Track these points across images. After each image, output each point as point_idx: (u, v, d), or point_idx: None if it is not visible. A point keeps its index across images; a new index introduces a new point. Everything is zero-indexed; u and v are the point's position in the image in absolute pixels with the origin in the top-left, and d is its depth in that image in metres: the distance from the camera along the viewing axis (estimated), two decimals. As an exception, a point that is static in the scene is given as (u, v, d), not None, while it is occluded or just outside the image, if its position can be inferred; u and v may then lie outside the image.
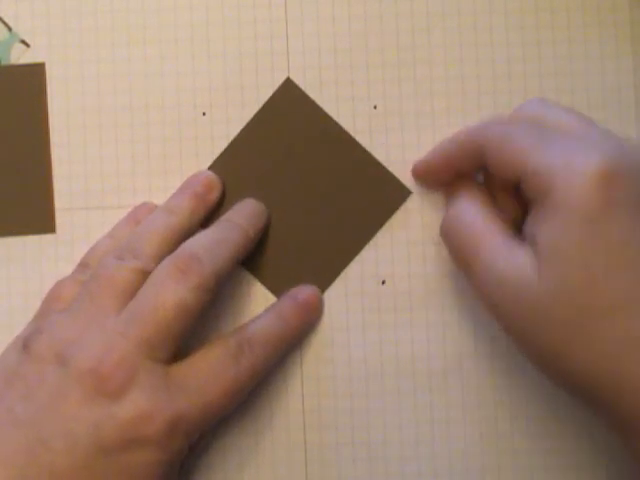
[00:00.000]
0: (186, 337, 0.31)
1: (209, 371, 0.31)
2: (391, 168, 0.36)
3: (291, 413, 0.36)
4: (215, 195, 0.35)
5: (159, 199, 0.36)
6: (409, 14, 0.36)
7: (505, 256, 0.30)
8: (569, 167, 0.29)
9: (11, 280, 0.36)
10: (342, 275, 0.36)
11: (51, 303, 0.33)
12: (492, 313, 0.31)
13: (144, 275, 0.31)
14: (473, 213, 0.32)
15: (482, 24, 0.37)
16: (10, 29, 0.36)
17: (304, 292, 0.35)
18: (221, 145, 0.36)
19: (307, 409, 0.36)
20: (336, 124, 0.36)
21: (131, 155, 0.36)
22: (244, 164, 0.36)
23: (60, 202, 0.36)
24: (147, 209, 0.35)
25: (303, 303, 0.35)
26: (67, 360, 0.29)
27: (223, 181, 0.36)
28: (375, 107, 0.36)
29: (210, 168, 0.36)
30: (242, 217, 0.34)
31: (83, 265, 0.34)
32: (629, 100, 0.37)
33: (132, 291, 0.31)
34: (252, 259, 0.36)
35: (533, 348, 0.30)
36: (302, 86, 0.36)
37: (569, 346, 0.28)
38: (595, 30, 0.37)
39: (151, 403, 0.29)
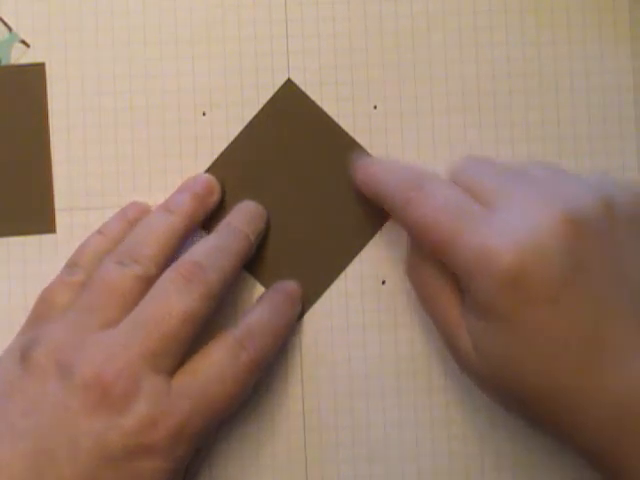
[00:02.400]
0: (190, 345, 0.31)
1: (211, 375, 0.31)
2: (391, 168, 0.36)
3: (291, 413, 0.36)
4: (215, 198, 0.35)
5: (159, 199, 0.36)
6: (409, 14, 0.36)
7: (453, 329, 0.32)
8: (480, 265, 0.29)
9: (11, 280, 0.36)
10: (342, 275, 0.36)
11: (44, 310, 0.33)
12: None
13: (146, 281, 0.31)
14: (435, 270, 0.33)
15: (482, 24, 0.37)
16: (10, 29, 0.36)
17: (288, 285, 0.35)
18: (221, 145, 0.36)
19: (307, 409, 0.36)
20: (336, 124, 0.36)
21: (131, 155, 0.36)
22: (244, 164, 0.36)
23: (60, 202, 0.36)
24: (138, 208, 0.35)
25: (291, 294, 0.35)
26: (68, 372, 0.29)
27: (222, 184, 0.36)
28: (375, 107, 0.36)
29: (210, 168, 0.36)
30: (243, 221, 0.34)
31: (72, 265, 0.34)
32: (629, 100, 0.37)
33: (134, 299, 0.31)
34: (251, 259, 0.36)
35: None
36: (302, 86, 0.36)
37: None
38: (595, 30, 0.37)
39: (155, 412, 0.29)
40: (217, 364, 0.31)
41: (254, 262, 0.36)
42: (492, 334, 0.30)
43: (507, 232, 0.29)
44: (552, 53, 0.37)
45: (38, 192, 0.36)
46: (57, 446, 0.28)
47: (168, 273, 0.31)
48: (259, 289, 0.36)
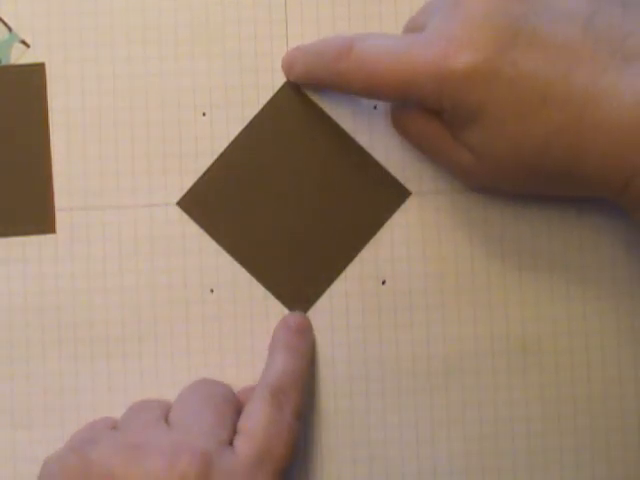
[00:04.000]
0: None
1: (268, 431, 0.31)
2: (390, 168, 0.36)
3: (291, 413, 0.36)
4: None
5: (159, 199, 0.36)
6: (409, 14, 0.36)
7: (454, 155, 0.33)
8: (439, 72, 0.30)
9: (11, 280, 0.36)
10: (342, 275, 0.36)
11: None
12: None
13: None
14: (418, 115, 0.33)
15: (482, 24, 0.37)
16: (10, 29, 0.36)
17: (297, 320, 0.35)
18: (221, 145, 0.36)
19: (307, 409, 0.36)
20: (336, 124, 0.36)
21: (131, 155, 0.36)
22: (244, 164, 0.36)
23: (60, 202, 0.36)
24: None
25: (304, 330, 0.35)
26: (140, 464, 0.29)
27: (223, 184, 0.36)
28: (375, 107, 0.36)
29: (210, 168, 0.36)
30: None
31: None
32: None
33: None
34: (252, 259, 0.36)
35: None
36: (302, 86, 0.36)
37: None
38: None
39: None
40: (267, 420, 0.31)
41: (254, 262, 0.36)
42: (481, 135, 0.30)
43: (439, 40, 0.30)
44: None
45: (38, 192, 0.36)
46: None
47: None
48: (259, 289, 0.36)
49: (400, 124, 0.35)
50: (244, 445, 0.31)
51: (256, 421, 0.31)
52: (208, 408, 0.32)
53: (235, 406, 0.33)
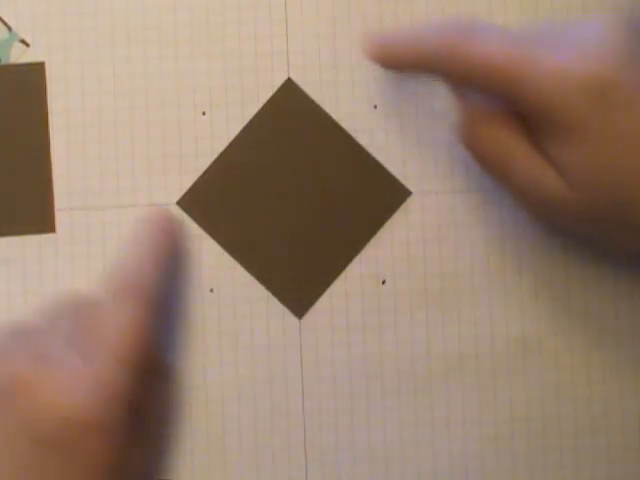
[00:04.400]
0: None
1: (114, 331, 0.31)
2: (391, 168, 0.36)
3: (291, 414, 0.36)
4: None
5: (159, 199, 0.36)
6: (409, 14, 0.36)
7: (538, 177, 0.30)
8: (558, 87, 0.28)
9: (11, 280, 0.36)
10: (342, 275, 0.36)
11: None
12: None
13: None
14: (499, 123, 0.31)
15: (482, 24, 0.37)
16: (10, 29, 0.36)
17: (155, 215, 0.35)
18: (221, 145, 0.36)
19: (307, 409, 0.36)
20: (336, 124, 0.36)
21: (131, 155, 0.36)
22: (244, 164, 0.36)
23: (60, 202, 0.36)
24: None
25: (160, 224, 0.35)
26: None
27: (223, 185, 0.36)
28: (375, 107, 0.36)
29: (210, 168, 0.36)
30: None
31: None
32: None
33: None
34: (252, 259, 0.36)
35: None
36: (302, 86, 0.36)
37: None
38: (595, 30, 0.37)
39: (69, 381, 0.29)
40: (116, 317, 0.31)
41: (254, 262, 0.36)
42: (583, 155, 0.29)
43: (574, 49, 0.29)
44: (552, 53, 0.37)
45: (38, 192, 0.36)
46: None
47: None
48: (259, 289, 0.36)
49: (475, 136, 0.32)
50: (84, 339, 0.30)
51: (97, 314, 0.31)
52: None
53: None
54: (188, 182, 0.36)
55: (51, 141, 0.36)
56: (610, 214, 0.29)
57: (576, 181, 0.29)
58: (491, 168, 0.32)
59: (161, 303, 0.33)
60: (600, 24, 0.29)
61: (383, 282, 0.36)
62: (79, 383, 0.29)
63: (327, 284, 0.36)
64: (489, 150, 0.32)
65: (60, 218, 0.36)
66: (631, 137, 0.28)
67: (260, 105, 0.36)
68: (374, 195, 0.36)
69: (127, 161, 0.36)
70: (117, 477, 0.29)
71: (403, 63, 0.32)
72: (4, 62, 0.36)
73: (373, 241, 0.36)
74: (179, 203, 0.36)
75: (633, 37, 0.29)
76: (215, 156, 0.36)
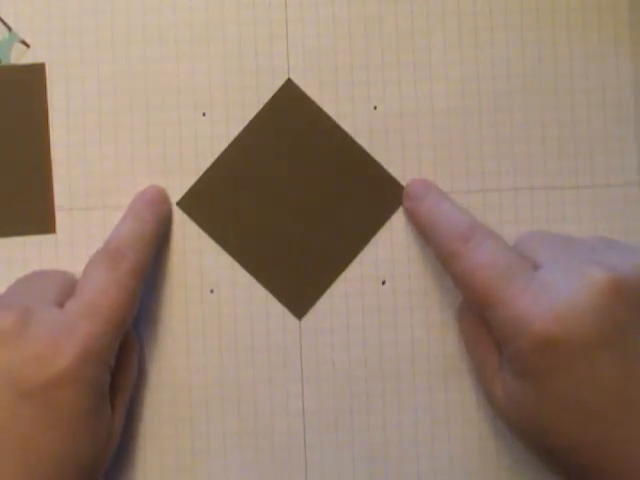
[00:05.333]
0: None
1: (96, 289, 0.32)
2: (391, 168, 0.36)
3: (291, 414, 0.36)
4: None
5: (159, 199, 0.36)
6: (409, 15, 0.36)
7: (492, 383, 0.33)
8: (515, 330, 0.30)
9: (11, 280, 0.36)
10: (342, 275, 0.36)
11: None
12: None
13: None
14: (479, 321, 0.33)
15: (482, 24, 0.37)
16: (10, 29, 0.36)
17: (147, 191, 0.36)
18: (221, 145, 0.36)
19: (307, 409, 0.36)
20: (336, 124, 0.36)
21: (131, 155, 0.36)
22: (244, 164, 0.36)
23: (60, 202, 0.36)
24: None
25: (151, 199, 0.35)
26: None
27: (222, 184, 0.36)
28: (375, 107, 0.36)
29: (210, 168, 0.36)
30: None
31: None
32: (629, 100, 0.37)
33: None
34: (252, 259, 0.36)
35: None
36: (302, 86, 0.36)
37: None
38: (595, 30, 0.37)
39: (53, 337, 0.30)
40: (98, 279, 0.32)
41: (254, 262, 0.36)
42: (525, 393, 0.30)
43: (544, 298, 0.29)
44: (552, 53, 0.37)
45: (38, 192, 0.36)
46: None
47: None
48: (259, 289, 0.36)
49: (462, 321, 0.35)
50: (71, 302, 0.32)
51: (85, 280, 0.32)
52: (39, 282, 0.34)
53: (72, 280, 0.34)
54: (188, 182, 0.36)
55: (51, 141, 0.36)
56: (535, 446, 0.31)
57: (515, 406, 0.31)
58: (465, 344, 0.35)
59: (144, 273, 0.34)
60: (587, 281, 0.29)
61: (383, 283, 0.36)
62: (62, 340, 0.30)
63: (327, 285, 0.36)
64: (465, 333, 0.35)
65: (60, 218, 0.36)
66: (567, 397, 0.29)
67: (260, 105, 0.36)
68: (374, 195, 0.36)
69: (127, 161, 0.36)
70: (87, 433, 0.30)
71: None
72: (4, 63, 0.36)
73: (373, 241, 0.36)
74: (179, 203, 0.36)
75: (618, 303, 0.29)
76: (215, 156, 0.36)
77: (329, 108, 0.36)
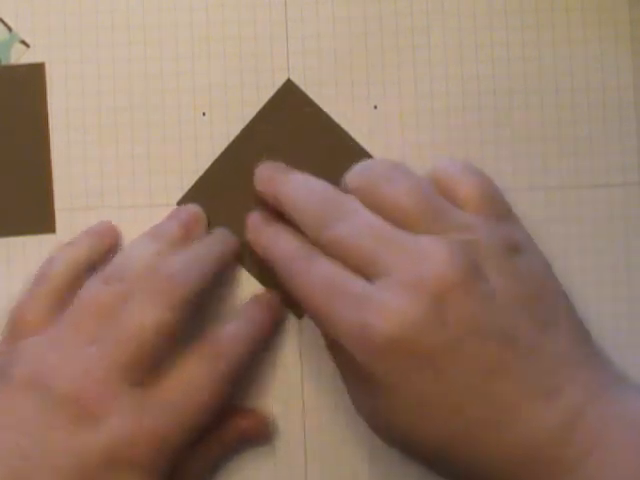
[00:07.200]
0: (165, 357, 0.31)
1: (186, 389, 0.31)
2: (391, 168, 0.36)
3: (291, 413, 0.36)
4: (201, 229, 0.35)
5: (159, 199, 0.36)
6: (409, 14, 0.36)
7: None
8: (356, 342, 0.30)
9: (11, 280, 0.36)
10: (342, 275, 0.36)
11: (21, 326, 0.33)
12: None
13: (126, 298, 0.31)
14: None
15: (482, 24, 0.37)
16: (10, 29, 0.36)
17: (264, 295, 0.35)
18: (221, 145, 0.36)
19: (307, 409, 0.36)
20: (336, 124, 0.36)
21: (131, 155, 0.36)
22: (244, 164, 0.36)
23: (60, 202, 0.36)
24: (109, 229, 0.36)
25: (267, 304, 0.35)
26: (47, 388, 0.29)
27: (222, 185, 0.36)
28: (375, 107, 0.36)
29: (210, 168, 0.36)
30: (211, 240, 0.35)
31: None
32: (629, 100, 0.37)
33: (114, 314, 0.31)
34: (252, 260, 0.36)
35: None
36: (302, 86, 0.36)
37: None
38: (595, 30, 0.37)
39: (133, 427, 0.29)
40: (190, 379, 0.31)
41: (253, 263, 0.36)
42: (378, 404, 0.31)
43: (383, 308, 0.29)
44: (552, 53, 0.37)
45: (38, 192, 0.36)
46: (36, 464, 0.28)
47: (141, 284, 0.31)
48: (260, 289, 0.36)
49: (328, 343, 0.34)
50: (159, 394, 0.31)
51: (182, 374, 0.31)
52: None
53: None
54: (188, 182, 0.36)
55: (51, 141, 0.36)
56: (400, 446, 0.32)
57: (373, 416, 0.32)
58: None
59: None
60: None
61: (383, 282, 0.36)
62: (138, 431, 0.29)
63: (327, 284, 0.36)
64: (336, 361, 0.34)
65: (60, 218, 0.36)
66: (420, 401, 0.29)
67: (260, 105, 0.36)
68: (374, 195, 0.36)
69: (127, 161, 0.36)
70: None
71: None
72: (4, 63, 0.36)
73: (373, 241, 0.36)
74: (179, 203, 0.36)
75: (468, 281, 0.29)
76: (215, 156, 0.36)
77: (329, 108, 0.36)
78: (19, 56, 0.36)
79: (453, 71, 0.36)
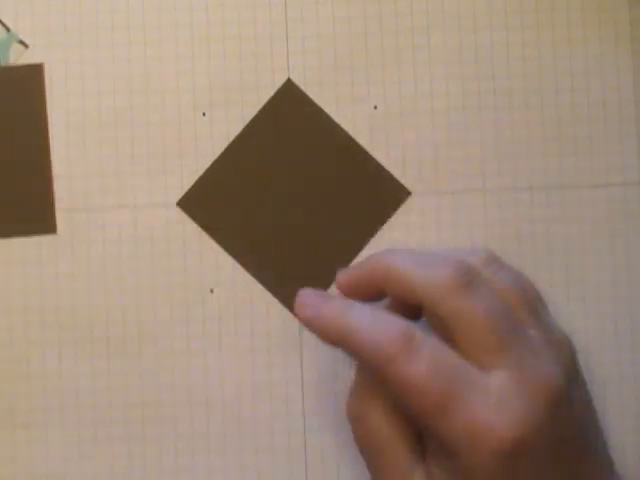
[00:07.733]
0: None
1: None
2: (391, 169, 0.36)
3: (291, 414, 0.36)
4: None
5: (159, 199, 0.36)
6: (409, 14, 0.36)
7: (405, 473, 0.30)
8: (474, 441, 0.28)
9: (11, 281, 0.36)
10: (342, 275, 0.36)
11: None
12: None
13: None
14: (380, 415, 0.31)
15: (482, 24, 0.37)
16: (8, 30, 0.36)
17: None
18: (221, 145, 0.36)
19: (307, 409, 0.36)
20: (336, 124, 0.36)
21: (131, 155, 0.36)
22: (244, 164, 0.36)
23: (60, 203, 0.36)
24: None
25: None
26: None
27: (222, 184, 0.36)
28: (375, 107, 0.36)
29: (210, 168, 0.36)
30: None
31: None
32: (629, 100, 0.37)
33: None
34: (252, 259, 0.36)
35: None
36: (302, 86, 0.36)
37: None
38: (595, 30, 0.37)
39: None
40: None
41: (254, 263, 0.36)
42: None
43: (502, 406, 0.28)
44: (552, 53, 0.37)
45: (38, 192, 0.36)
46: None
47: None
48: (259, 289, 0.36)
49: (358, 425, 0.31)
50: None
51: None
52: None
53: None
54: (188, 182, 0.36)
55: (51, 141, 0.36)
56: None
57: None
58: (360, 449, 0.31)
59: None
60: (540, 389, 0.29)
61: (383, 282, 0.36)
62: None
63: (327, 284, 0.36)
64: (364, 438, 0.31)
65: (61, 218, 0.36)
66: None
67: (260, 105, 0.36)
68: (374, 195, 0.36)
69: (127, 161, 0.36)
70: None
71: (327, 338, 0.31)
72: (3, 63, 0.36)
73: (373, 241, 0.36)
74: (179, 203, 0.36)
75: (569, 385, 0.29)
76: (215, 156, 0.36)
77: (329, 108, 0.36)
78: (18, 56, 0.36)
79: (453, 71, 0.36)
